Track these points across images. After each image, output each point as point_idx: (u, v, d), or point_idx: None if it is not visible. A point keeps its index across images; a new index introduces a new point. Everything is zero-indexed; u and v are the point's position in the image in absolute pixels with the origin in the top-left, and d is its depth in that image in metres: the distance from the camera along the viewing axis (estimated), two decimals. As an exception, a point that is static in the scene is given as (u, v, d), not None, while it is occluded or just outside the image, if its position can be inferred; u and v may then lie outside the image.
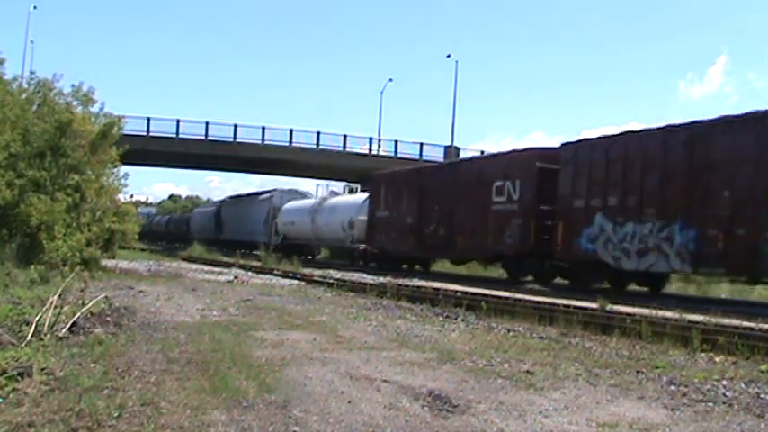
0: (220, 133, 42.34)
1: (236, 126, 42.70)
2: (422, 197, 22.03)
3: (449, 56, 64.72)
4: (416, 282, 16.45)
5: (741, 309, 11.64)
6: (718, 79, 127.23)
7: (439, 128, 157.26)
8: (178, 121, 41.82)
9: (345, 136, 44.98)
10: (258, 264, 23.66)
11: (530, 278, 17.77)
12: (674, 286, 16.37)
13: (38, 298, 8.70)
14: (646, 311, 9.85)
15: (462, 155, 42.70)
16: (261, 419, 4.10)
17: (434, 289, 14.00)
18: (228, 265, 23.52)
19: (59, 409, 4.05)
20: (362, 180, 34.63)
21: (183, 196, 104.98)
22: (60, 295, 7.65)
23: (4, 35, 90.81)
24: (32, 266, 12.72)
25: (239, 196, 45.10)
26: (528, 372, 5.93)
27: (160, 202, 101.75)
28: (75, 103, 18.52)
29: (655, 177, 13.91)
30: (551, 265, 16.86)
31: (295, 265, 22.63)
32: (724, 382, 5.77)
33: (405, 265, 24.03)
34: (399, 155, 45.20)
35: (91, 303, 8.02)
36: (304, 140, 44.09)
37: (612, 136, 15.65)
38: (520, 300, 11.70)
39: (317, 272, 19.80)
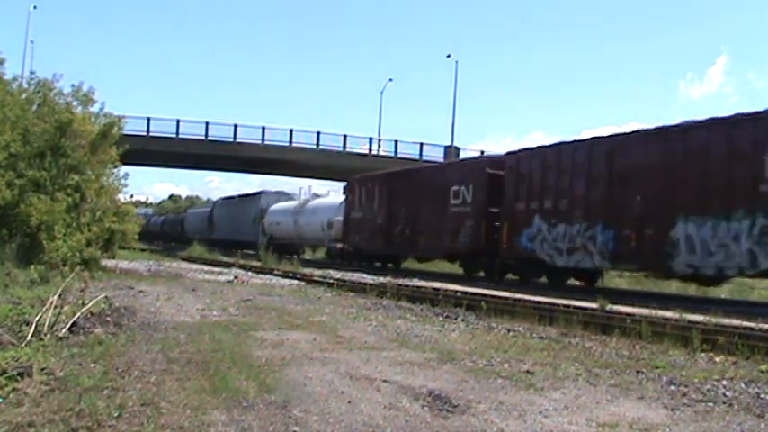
0: (220, 133, 42.46)
1: (236, 126, 42.85)
2: (391, 199, 23.43)
3: (449, 56, 65.12)
4: (416, 282, 16.47)
5: (741, 309, 11.64)
6: (719, 79, 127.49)
7: (439, 128, 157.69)
8: (178, 121, 41.93)
9: (345, 136, 45.11)
10: (258, 264, 23.75)
11: (481, 274, 19.08)
12: (674, 286, 16.39)
13: (38, 298, 8.71)
14: (646, 311, 9.83)
15: (462, 155, 42.75)
16: (261, 419, 4.10)
17: (434, 289, 14.01)
18: (228, 265, 23.55)
19: (59, 409, 4.05)
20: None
21: (183, 196, 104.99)
22: (60, 295, 7.66)
23: (4, 35, 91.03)
24: (32, 266, 12.73)
25: (231, 198, 45.36)
26: (528, 372, 5.92)
27: (160, 202, 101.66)
28: (75, 103, 18.54)
29: (582, 183, 15.45)
30: (501, 263, 18.12)
31: (295, 265, 22.71)
32: (724, 382, 5.77)
33: (378, 263, 25.20)
34: (399, 155, 45.22)
35: (91, 303, 8.03)
36: (304, 140, 44.20)
37: (548, 146, 17.07)
38: (520, 300, 11.70)
39: (317, 272, 19.84)
